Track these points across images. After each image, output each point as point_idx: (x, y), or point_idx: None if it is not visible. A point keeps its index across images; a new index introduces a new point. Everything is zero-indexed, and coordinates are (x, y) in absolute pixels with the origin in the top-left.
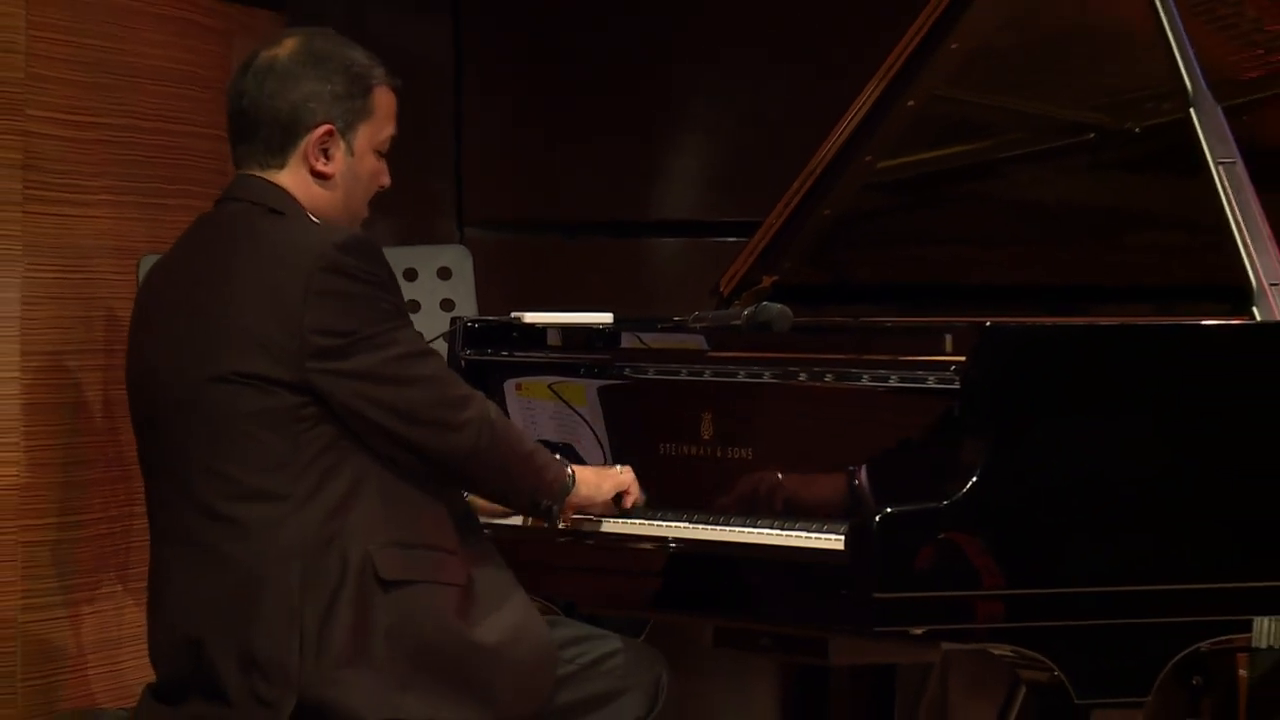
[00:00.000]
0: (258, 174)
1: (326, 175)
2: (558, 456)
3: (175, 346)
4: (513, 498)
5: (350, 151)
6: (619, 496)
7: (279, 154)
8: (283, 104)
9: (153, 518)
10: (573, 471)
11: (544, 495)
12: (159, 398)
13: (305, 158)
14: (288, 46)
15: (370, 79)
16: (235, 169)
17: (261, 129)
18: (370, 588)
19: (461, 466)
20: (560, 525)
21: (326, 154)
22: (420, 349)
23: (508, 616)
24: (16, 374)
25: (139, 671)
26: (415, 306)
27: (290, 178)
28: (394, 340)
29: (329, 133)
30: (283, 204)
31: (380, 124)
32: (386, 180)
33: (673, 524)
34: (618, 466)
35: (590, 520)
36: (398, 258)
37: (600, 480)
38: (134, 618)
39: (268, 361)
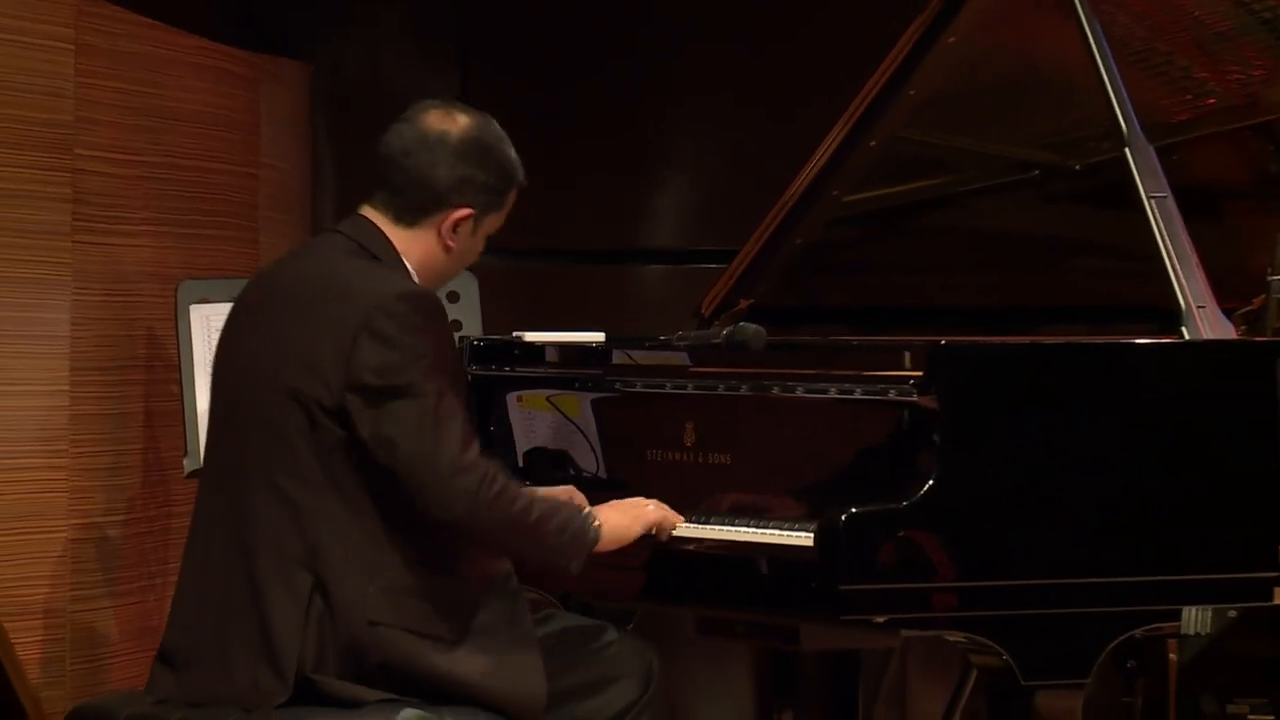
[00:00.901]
0: (378, 220)
1: (449, 249)
2: (585, 510)
3: (255, 352)
4: (517, 557)
5: (474, 233)
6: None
7: (416, 215)
8: (441, 177)
9: (203, 498)
10: (599, 526)
11: (557, 559)
12: (235, 396)
13: (439, 229)
14: (461, 124)
15: (514, 179)
16: (364, 205)
17: (411, 189)
18: (360, 624)
19: (452, 527)
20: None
21: (457, 231)
22: (443, 410)
23: (503, 665)
24: (66, 387)
25: None
26: None
27: (414, 239)
28: (421, 395)
29: (469, 217)
30: (384, 252)
31: (503, 216)
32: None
33: None
34: (650, 505)
35: None
36: None
37: (631, 524)
38: None
39: (318, 386)
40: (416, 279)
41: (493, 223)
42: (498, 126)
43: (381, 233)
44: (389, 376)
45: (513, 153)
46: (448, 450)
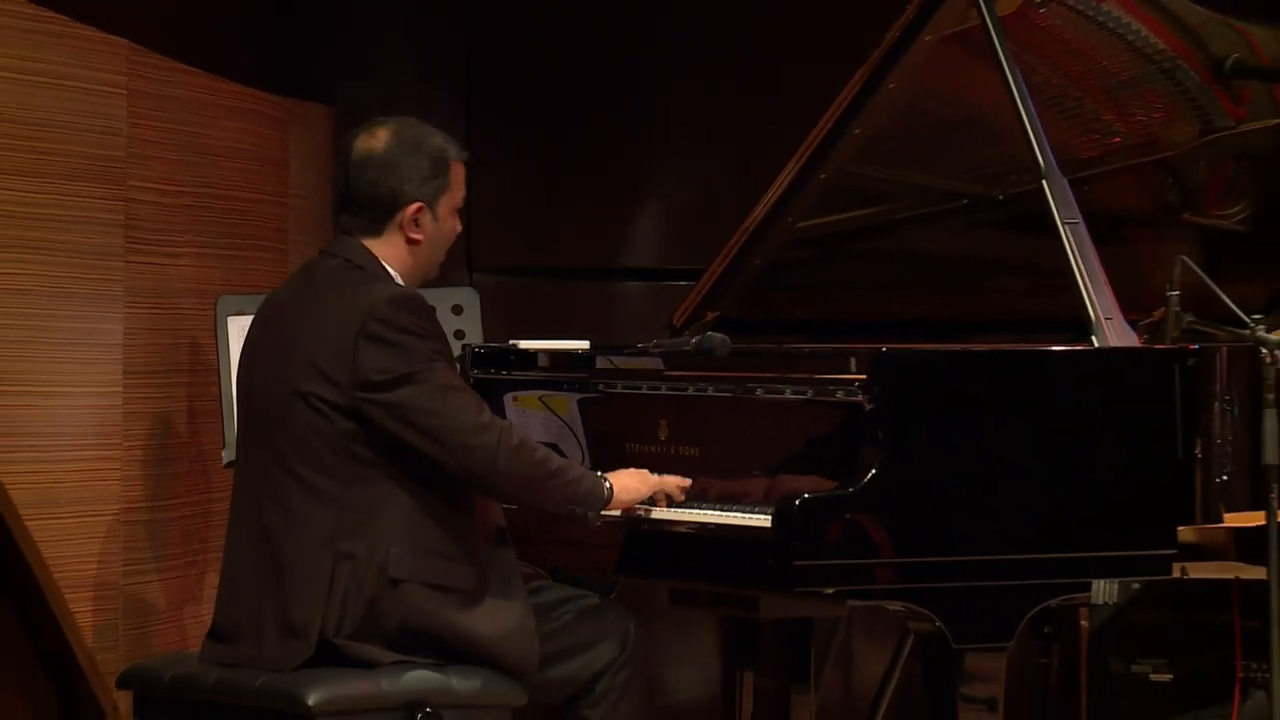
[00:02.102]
0: (355, 238)
1: (418, 241)
2: (600, 474)
3: (269, 363)
4: (542, 507)
5: (435, 219)
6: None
7: (378, 226)
8: (382, 190)
9: (237, 493)
10: (611, 485)
11: (574, 505)
12: (256, 402)
13: (401, 229)
14: (381, 138)
15: (447, 158)
16: (338, 229)
17: (365, 209)
18: (382, 583)
19: (483, 483)
20: (596, 524)
21: (418, 224)
22: (449, 384)
23: (505, 622)
24: (119, 389)
25: None
26: None
27: (386, 244)
28: (427, 378)
29: (420, 209)
30: (367, 263)
31: (456, 191)
32: (459, 227)
33: (637, 506)
34: (657, 476)
35: None
36: None
37: (640, 485)
38: (211, 580)
39: (327, 387)
40: (400, 278)
41: (449, 201)
42: (415, 123)
43: (362, 245)
44: (392, 370)
45: (437, 138)
46: (465, 415)
